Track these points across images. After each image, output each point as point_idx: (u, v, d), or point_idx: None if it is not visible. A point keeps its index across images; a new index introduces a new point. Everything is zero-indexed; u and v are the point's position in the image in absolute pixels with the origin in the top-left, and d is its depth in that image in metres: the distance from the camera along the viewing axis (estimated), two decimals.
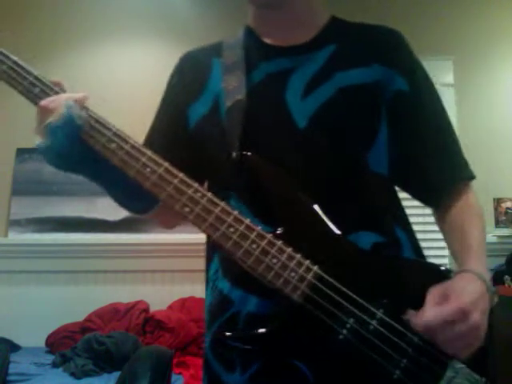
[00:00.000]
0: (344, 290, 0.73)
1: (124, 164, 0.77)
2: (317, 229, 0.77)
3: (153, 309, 2.88)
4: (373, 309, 0.72)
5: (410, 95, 0.87)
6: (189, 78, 0.94)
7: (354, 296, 0.73)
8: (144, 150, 0.77)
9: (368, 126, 0.85)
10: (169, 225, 1.01)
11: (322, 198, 0.78)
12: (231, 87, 0.86)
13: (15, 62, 0.80)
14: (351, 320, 0.72)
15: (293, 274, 0.73)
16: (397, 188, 0.92)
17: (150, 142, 0.93)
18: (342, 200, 0.81)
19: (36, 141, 0.76)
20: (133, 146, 0.77)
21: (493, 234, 3.03)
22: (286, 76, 0.86)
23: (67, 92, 0.80)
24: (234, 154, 0.79)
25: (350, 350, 0.71)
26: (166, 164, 0.77)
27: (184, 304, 2.90)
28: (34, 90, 0.79)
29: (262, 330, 0.74)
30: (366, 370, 0.72)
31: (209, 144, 0.88)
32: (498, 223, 3.18)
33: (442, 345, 0.69)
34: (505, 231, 3.12)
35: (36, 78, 0.80)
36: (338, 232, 0.77)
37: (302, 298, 0.73)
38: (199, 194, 0.75)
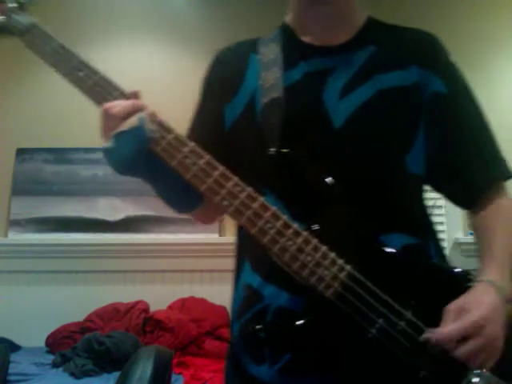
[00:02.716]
0: (375, 290, 0.74)
1: (166, 154, 0.77)
2: (350, 229, 0.79)
3: (153, 309, 2.88)
4: (402, 310, 0.74)
5: (447, 96, 0.87)
6: (226, 73, 0.94)
7: (385, 296, 0.74)
8: (187, 142, 0.78)
9: (407, 127, 0.85)
10: (207, 221, 1.02)
11: (357, 198, 0.79)
12: (268, 85, 0.86)
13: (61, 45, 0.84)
14: (381, 320, 0.73)
15: (326, 273, 0.75)
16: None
17: (190, 138, 0.94)
18: (376, 200, 0.81)
19: (103, 143, 0.77)
20: (176, 138, 0.78)
21: None
22: (324, 76, 0.86)
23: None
24: (271, 151, 0.80)
25: (377, 349, 0.73)
26: (208, 157, 0.78)
27: (184, 304, 2.90)
28: (79, 73, 0.82)
29: (299, 322, 0.75)
30: (391, 369, 0.74)
31: (244, 141, 0.88)
32: None
33: (461, 359, 0.70)
34: None
35: (81, 62, 0.84)
36: (370, 233, 0.79)
37: (335, 296, 0.75)
38: (238, 189, 0.77)
